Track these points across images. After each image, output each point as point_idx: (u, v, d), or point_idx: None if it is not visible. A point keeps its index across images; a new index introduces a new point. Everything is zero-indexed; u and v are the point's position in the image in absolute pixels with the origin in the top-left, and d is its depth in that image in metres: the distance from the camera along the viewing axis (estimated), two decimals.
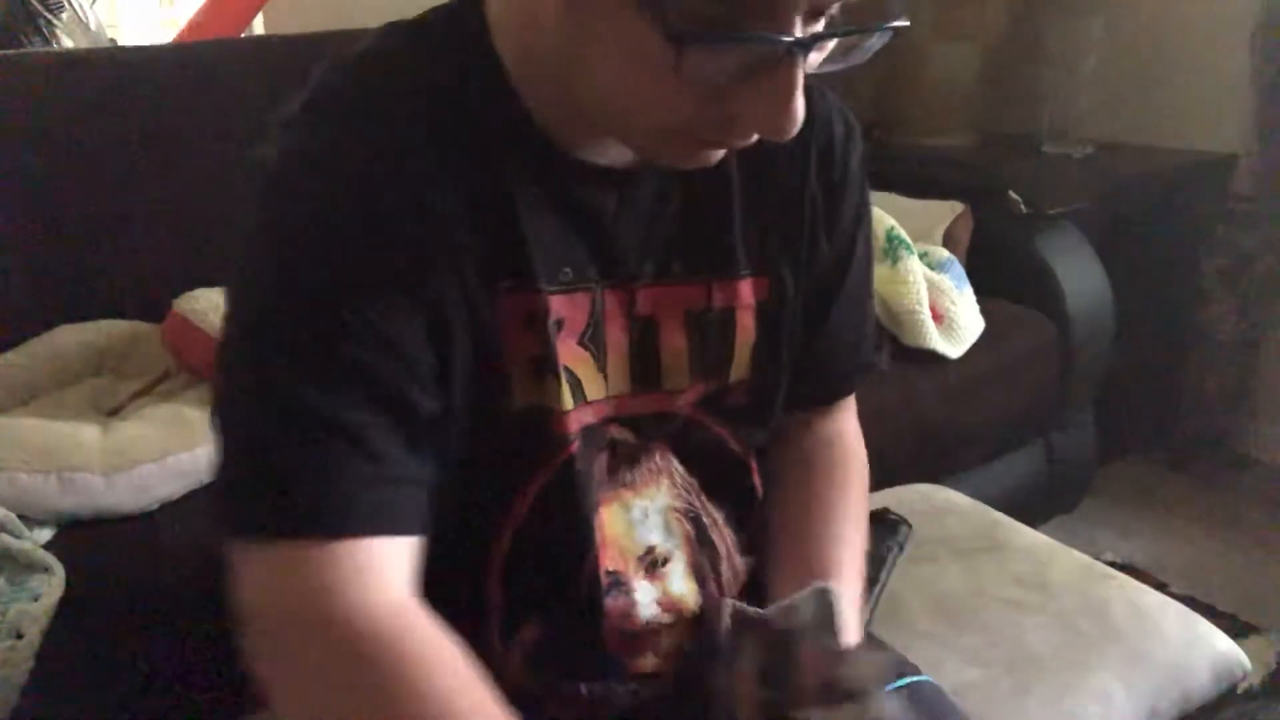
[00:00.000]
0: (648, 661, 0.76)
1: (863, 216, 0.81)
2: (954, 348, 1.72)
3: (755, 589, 0.80)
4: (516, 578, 0.72)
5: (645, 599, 0.74)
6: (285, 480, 0.58)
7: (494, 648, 0.73)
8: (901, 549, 1.20)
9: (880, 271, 1.75)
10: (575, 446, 0.70)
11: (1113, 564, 1.44)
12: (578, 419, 0.70)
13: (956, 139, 2.35)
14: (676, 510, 0.77)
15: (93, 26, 2.23)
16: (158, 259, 1.60)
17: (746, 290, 0.75)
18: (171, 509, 1.24)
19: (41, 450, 1.21)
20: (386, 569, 0.59)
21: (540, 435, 0.69)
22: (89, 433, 1.27)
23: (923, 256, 1.79)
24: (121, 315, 1.55)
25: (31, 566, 1.10)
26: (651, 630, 0.75)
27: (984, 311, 1.80)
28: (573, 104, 0.62)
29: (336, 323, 0.59)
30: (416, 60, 0.66)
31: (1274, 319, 2.17)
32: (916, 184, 2.02)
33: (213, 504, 0.63)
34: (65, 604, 1.08)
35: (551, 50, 0.60)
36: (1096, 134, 2.21)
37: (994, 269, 1.90)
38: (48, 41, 2.06)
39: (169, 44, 2.38)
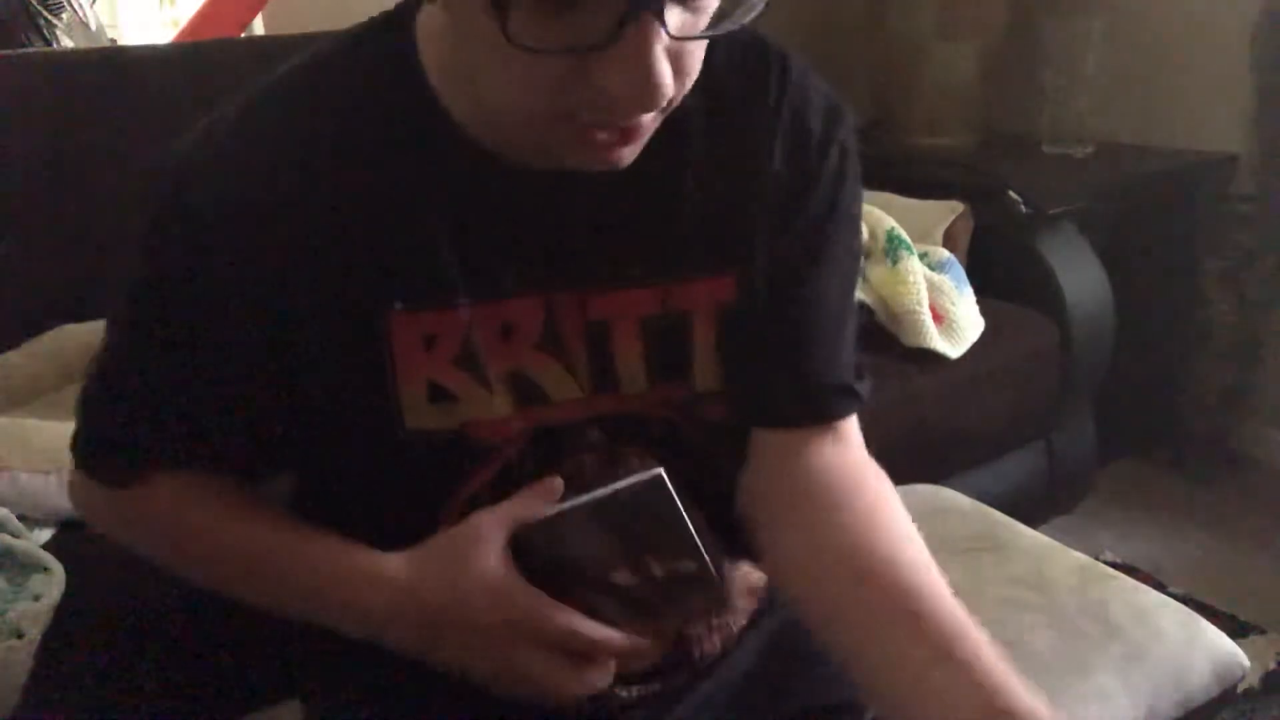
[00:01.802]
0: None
1: (837, 215, 0.74)
2: (954, 348, 1.72)
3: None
4: None
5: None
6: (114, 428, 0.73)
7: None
8: None
9: (880, 272, 1.75)
10: (510, 453, 0.70)
11: (1112, 564, 1.45)
12: (522, 425, 0.69)
13: (956, 139, 2.35)
14: None
15: (93, 26, 2.23)
16: None
17: (704, 292, 0.71)
18: None
19: (42, 450, 1.21)
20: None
21: (451, 452, 0.69)
22: None
23: (923, 256, 1.79)
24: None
25: (31, 566, 1.10)
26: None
27: (984, 311, 1.80)
28: (484, 112, 0.63)
29: (180, 320, 0.67)
30: (339, 74, 0.67)
31: (1274, 319, 2.17)
32: (916, 184, 2.02)
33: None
34: (65, 604, 1.08)
35: (462, 60, 0.61)
36: (1096, 134, 2.21)
37: (994, 269, 1.90)
38: (48, 41, 2.06)
39: (169, 44, 2.37)
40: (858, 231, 0.79)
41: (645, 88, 0.54)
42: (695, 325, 0.71)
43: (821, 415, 0.75)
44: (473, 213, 0.67)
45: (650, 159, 0.64)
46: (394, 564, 0.68)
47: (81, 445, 0.74)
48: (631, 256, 0.70)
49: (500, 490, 0.69)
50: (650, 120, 0.60)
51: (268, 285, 0.65)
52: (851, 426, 0.77)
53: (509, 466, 0.70)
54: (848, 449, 0.76)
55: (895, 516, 0.72)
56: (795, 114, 0.72)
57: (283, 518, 0.74)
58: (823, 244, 0.74)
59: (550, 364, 0.70)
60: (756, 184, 0.71)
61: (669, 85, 0.55)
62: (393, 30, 0.67)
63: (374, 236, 0.66)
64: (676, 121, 0.65)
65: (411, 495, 0.71)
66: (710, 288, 0.71)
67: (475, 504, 0.69)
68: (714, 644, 0.79)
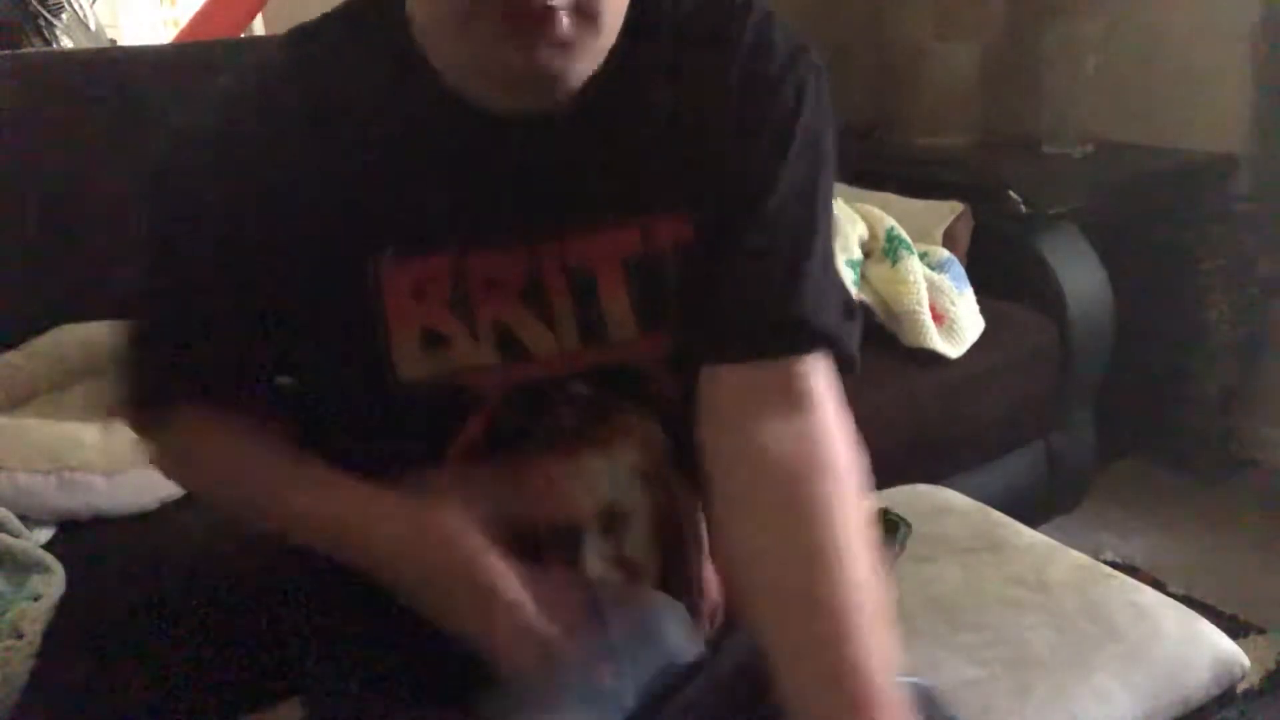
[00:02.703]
0: None
1: (792, 150, 0.72)
2: (954, 348, 1.72)
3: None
4: None
5: (594, 555, 0.74)
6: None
7: None
8: (901, 549, 1.20)
9: (880, 271, 1.75)
10: (494, 407, 0.71)
11: (1112, 564, 1.45)
12: (505, 378, 0.71)
13: (956, 139, 2.35)
14: (644, 471, 0.75)
15: (93, 26, 2.23)
16: None
17: (670, 230, 0.72)
18: (171, 509, 1.24)
19: (41, 450, 1.21)
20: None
21: (443, 402, 0.71)
22: (89, 433, 1.27)
23: (923, 256, 1.79)
24: (121, 315, 1.55)
25: (31, 566, 1.10)
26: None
27: (984, 311, 1.80)
28: (455, 55, 0.67)
29: (182, 268, 0.71)
30: (330, 32, 0.71)
31: (1274, 319, 2.17)
32: (916, 184, 2.02)
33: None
34: (65, 604, 1.08)
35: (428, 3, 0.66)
36: (1096, 134, 2.21)
37: (994, 269, 1.90)
38: (48, 41, 2.05)
39: (169, 44, 2.37)
40: (823, 169, 0.75)
41: None
42: (668, 267, 0.72)
43: (770, 350, 0.70)
44: (455, 161, 0.69)
45: (617, 100, 0.69)
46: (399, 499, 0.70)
47: (119, 397, 0.78)
48: (606, 198, 0.72)
49: (492, 442, 0.71)
50: (569, 28, 0.63)
51: (261, 234, 0.68)
52: (816, 383, 0.71)
53: (498, 418, 0.71)
54: (809, 414, 0.69)
55: (845, 517, 0.67)
56: (753, 54, 0.73)
57: (303, 453, 0.76)
58: (768, 179, 0.72)
59: (529, 318, 0.71)
60: (715, 122, 0.72)
61: None
62: None
63: (361, 185, 0.68)
64: (642, 65, 0.70)
65: (406, 446, 0.72)
66: (674, 226, 0.72)
67: (469, 456, 0.71)
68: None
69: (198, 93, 0.73)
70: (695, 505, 0.79)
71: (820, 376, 0.71)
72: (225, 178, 0.68)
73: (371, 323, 0.68)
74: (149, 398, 0.77)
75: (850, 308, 0.75)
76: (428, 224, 0.69)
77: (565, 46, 0.64)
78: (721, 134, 0.72)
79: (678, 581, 0.79)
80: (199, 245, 0.70)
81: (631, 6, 0.68)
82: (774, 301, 0.71)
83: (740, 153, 0.72)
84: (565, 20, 0.62)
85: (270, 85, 0.71)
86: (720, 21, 0.73)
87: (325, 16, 0.72)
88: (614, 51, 0.69)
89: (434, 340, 0.69)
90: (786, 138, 0.72)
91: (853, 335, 0.74)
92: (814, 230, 0.73)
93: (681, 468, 0.77)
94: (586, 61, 0.66)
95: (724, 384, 0.71)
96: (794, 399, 0.70)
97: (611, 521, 0.75)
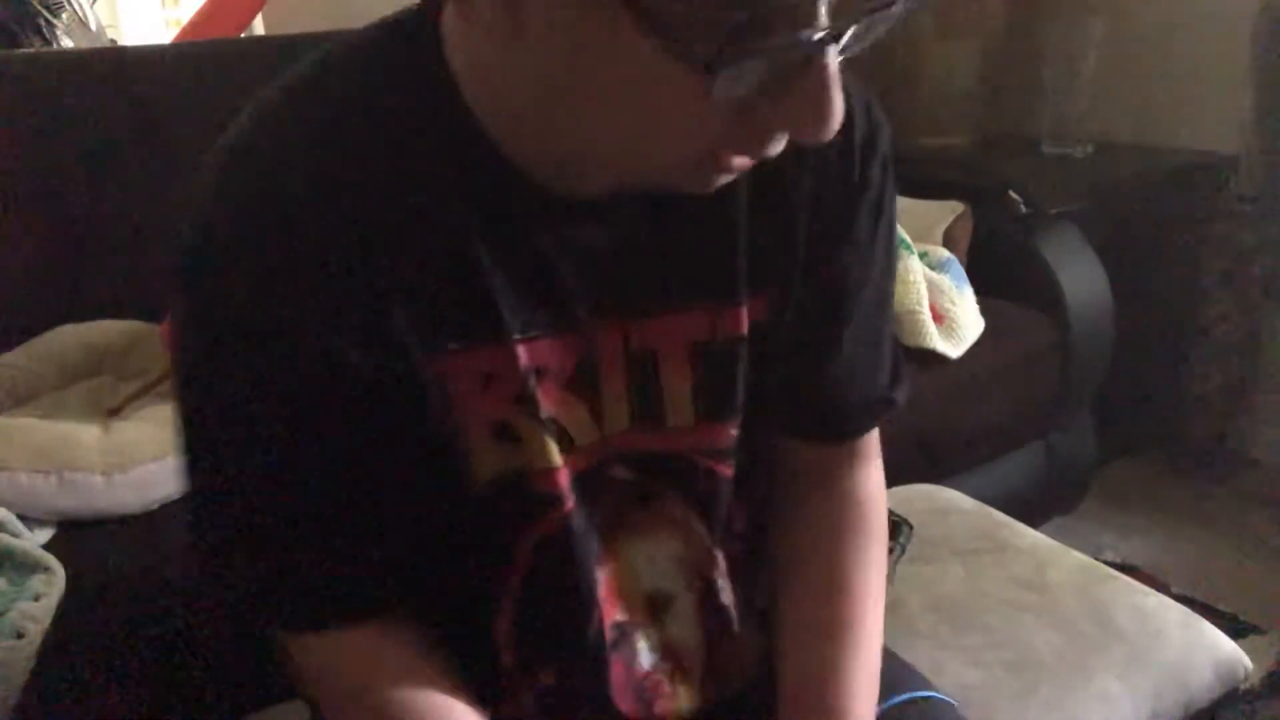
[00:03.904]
0: (656, 713, 0.73)
1: (880, 227, 0.72)
2: (954, 348, 1.72)
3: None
4: (525, 638, 0.69)
5: (645, 646, 0.72)
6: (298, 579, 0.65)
7: (507, 699, 0.71)
8: (903, 550, 1.20)
9: None
10: (570, 504, 0.66)
11: (1113, 564, 1.44)
12: (569, 470, 0.65)
13: (956, 139, 2.35)
14: (685, 559, 0.72)
15: (93, 26, 2.23)
16: (157, 259, 1.60)
17: (751, 313, 0.68)
18: (171, 509, 1.24)
19: (41, 450, 1.21)
20: (392, 647, 0.66)
21: (521, 499, 0.65)
22: (89, 433, 1.27)
23: (923, 256, 1.79)
24: (121, 315, 1.55)
25: (31, 566, 1.10)
26: (654, 681, 0.72)
27: (984, 311, 1.80)
28: (556, 140, 0.57)
29: (252, 410, 0.60)
30: (362, 92, 0.59)
31: (1274, 319, 2.17)
32: (916, 184, 2.01)
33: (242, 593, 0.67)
34: (65, 604, 1.08)
35: (532, 83, 0.54)
36: (1096, 134, 2.21)
37: (994, 269, 1.90)
38: (48, 41, 2.06)
39: (169, 44, 2.37)
40: (894, 232, 0.76)
41: (826, 119, 0.51)
42: (738, 354, 0.68)
43: (858, 430, 0.77)
44: (515, 245, 0.61)
45: None
46: None
47: (272, 620, 0.67)
48: (678, 281, 0.66)
49: (563, 536, 0.66)
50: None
51: (319, 336, 0.58)
52: (874, 438, 0.79)
53: (567, 512, 0.66)
54: (873, 468, 0.79)
55: (883, 545, 0.79)
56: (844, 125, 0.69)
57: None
58: (869, 262, 0.72)
59: (575, 404, 0.65)
60: (797, 202, 0.68)
61: (842, 113, 0.51)
62: (413, 39, 0.59)
63: (420, 275, 0.59)
64: None
65: (479, 545, 0.67)
66: (749, 310, 0.68)
67: (540, 551, 0.66)
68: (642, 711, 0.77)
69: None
70: (732, 585, 0.75)
71: (873, 435, 0.79)
72: (270, 275, 0.56)
73: (441, 419, 0.62)
74: (304, 622, 0.65)
75: (899, 355, 0.78)
76: (491, 313, 0.61)
77: None
78: (805, 215, 0.68)
79: (724, 662, 0.76)
80: (272, 407, 0.59)
81: None
82: (864, 383, 0.76)
83: (829, 240, 0.70)
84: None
85: (299, 162, 0.57)
86: None
87: (341, 70, 0.60)
88: None
89: (505, 433, 0.63)
90: (877, 215, 0.71)
91: (902, 381, 0.78)
92: (891, 296, 0.76)
93: (723, 548, 0.74)
94: None
95: (803, 455, 0.78)
96: (861, 456, 0.79)
97: (655, 609, 0.72)
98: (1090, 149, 2.20)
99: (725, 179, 0.57)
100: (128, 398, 1.42)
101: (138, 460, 1.23)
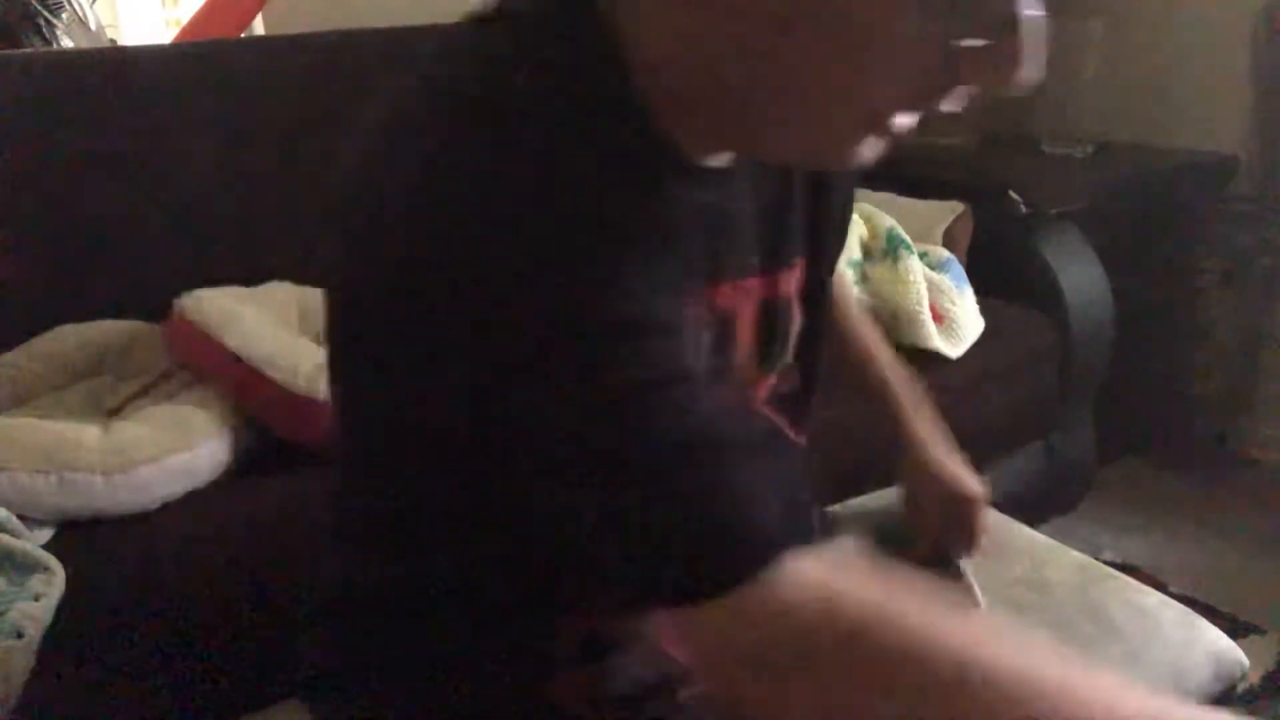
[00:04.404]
0: None
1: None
2: (954, 348, 1.72)
3: None
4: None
5: None
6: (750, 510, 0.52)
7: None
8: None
9: (880, 271, 1.75)
10: None
11: (1112, 564, 1.44)
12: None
13: (956, 139, 2.35)
14: None
15: (93, 26, 2.23)
16: (158, 259, 1.60)
17: (796, 277, 0.77)
18: (171, 509, 1.24)
19: (41, 450, 1.21)
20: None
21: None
22: (89, 433, 1.27)
23: (923, 256, 1.79)
24: (121, 315, 1.55)
25: (31, 566, 1.10)
26: None
27: (984, 311, 1.79)
28: (713, 107, 0.59)
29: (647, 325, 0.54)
30: (536, 61, 0.57)
31: (1274, 319, 2.17)
32: (916, 184, 2.02)
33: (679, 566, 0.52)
34: (65, 604, 1.08)
35: (729, 43, 0.56)
36: (1096, 134, 2.21)
37: (994, 269, 1.90)
38: (48, 41, 2.06)
39: (169, 44, 2.38)
40: None
41: (1030, 65, 0.55)
42: (792, 310, 0.77)
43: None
44: (676, 217, 0.62)
45: None
46: None
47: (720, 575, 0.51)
48: (756, 247, 0.72)
49: None
50: None
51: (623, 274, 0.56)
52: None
53: None
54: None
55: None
56: None
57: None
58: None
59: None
60: (831, 176, 0.78)
61: None
62: (575, 15, 0.59)
63: (650, 222, 0.58)
64: None
65: None
66: (796, 272, 0.76)
67: None
68: None
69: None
70: None
71: None
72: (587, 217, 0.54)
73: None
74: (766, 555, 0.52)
75: None
76: (685, 263, 0.63)
77: None
78: (841, 183, 0.79)
79: None
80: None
81: None
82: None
83: (847, 202, 0.82)
84: None
85: (532, 117, 0.55)
86: None
87: (504, 37, 0.59)
88: None
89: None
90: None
91: None
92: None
93: None
94: None
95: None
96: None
97: None
98: (1090, 149, 2.20)
99: (872, 151, 0.60)
100: (128, 398, 1.42)
101: (138, 460, 1.23)
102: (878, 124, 0.59)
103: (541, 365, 0.52)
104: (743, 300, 0.71)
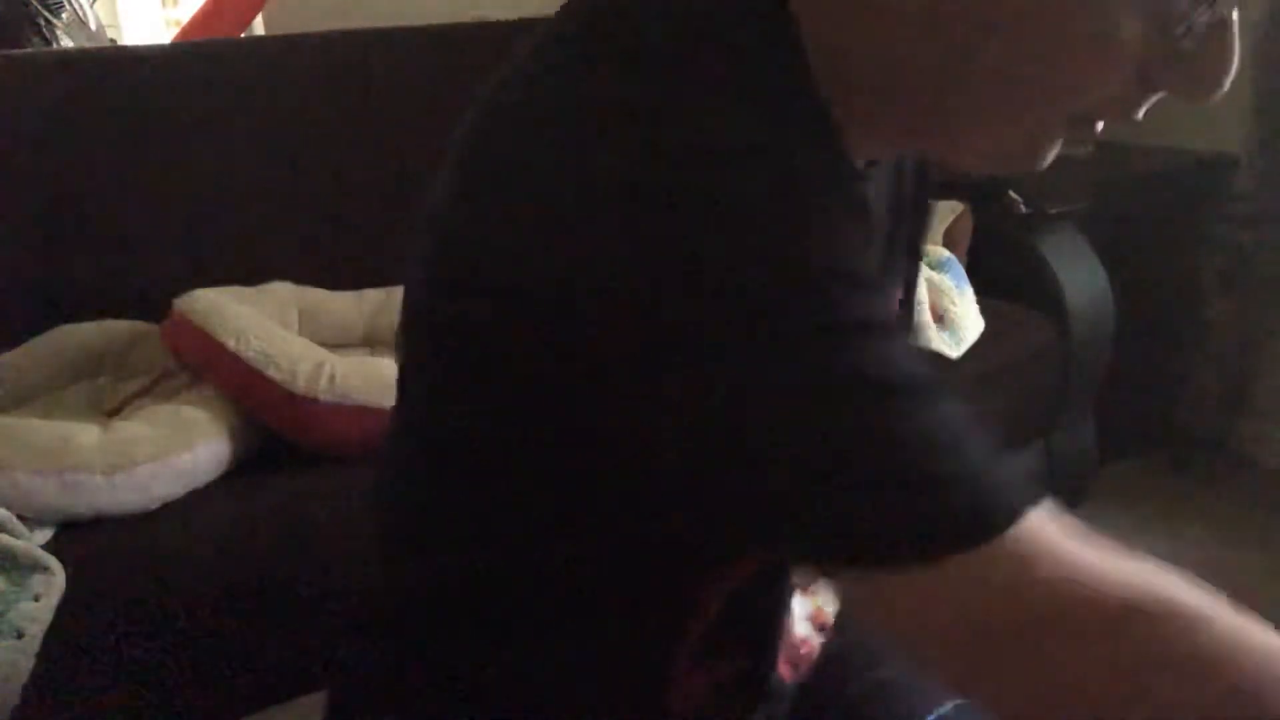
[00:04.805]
0: (801, 671, 0.74)
1: None
2: (954, 348, 1.72)
3: None
4: (721, 632, 0.67)
5: (800, 614, 0.74)
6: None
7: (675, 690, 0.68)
8: None
9: None
10: None
11: None
12: None
13: None
14: None
15: (93, 26, 2.23)
16: (158, 259, 1.60)
17: (896, 298, 0.74)
18: (171, 509, 1.24)
19: (41, 450, 1.21)
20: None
21: None
22: (89, 433, 1.27)
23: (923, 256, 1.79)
24: (121, 315, 1.55)
25: (31, 566, 1.10)
26: (808, 648, 0.75)
27: (984, 311, 1.79)
28: (901, 103, 0.57)
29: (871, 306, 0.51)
30: (717, 51, 0.53)
31: (1274, 319, 2.17)
32: None
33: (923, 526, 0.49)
34: (65, 604, 1.08)
35: (899, 46, 0.54)
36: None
37: (994, 269, 1.90)
38: (48, 41, 2.06)
39: (169, 44, 2.38)
40: None
41: (1230, 76, 0.54)
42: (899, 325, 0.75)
43: None
44: (856, 219, 0.62)
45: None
46: None
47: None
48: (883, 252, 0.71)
49: None
50: None
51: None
52: None
53: None
54: None
55: None
56: None
57: None
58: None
59: None
60: (918, 197, 0.76)
61: None
62: (757, 15, 0.55)
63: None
64: None
65: None
66: (897, 293, 0.75)
67: None
68: (792, 673, 0.78)
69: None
70: None
71: None
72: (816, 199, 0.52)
73: None
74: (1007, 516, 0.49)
75: None
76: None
77: None
78: (926, 211, 0.79)
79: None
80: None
81: None
82: None
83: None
84: None
85: (745, 102, 0.51)
86: None
87: (672, 27, 0.53)
88: None
89: None
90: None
91: None
92: None
93: None
94: None
95: None
96: None
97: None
98: (1090, 149, 2.20)
99: (1048, 159, 0.61)
100: (128, 398, 1.42)
101: (138, 460, 1.23)
102: (1075, 128, 0.59)
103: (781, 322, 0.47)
104: None
